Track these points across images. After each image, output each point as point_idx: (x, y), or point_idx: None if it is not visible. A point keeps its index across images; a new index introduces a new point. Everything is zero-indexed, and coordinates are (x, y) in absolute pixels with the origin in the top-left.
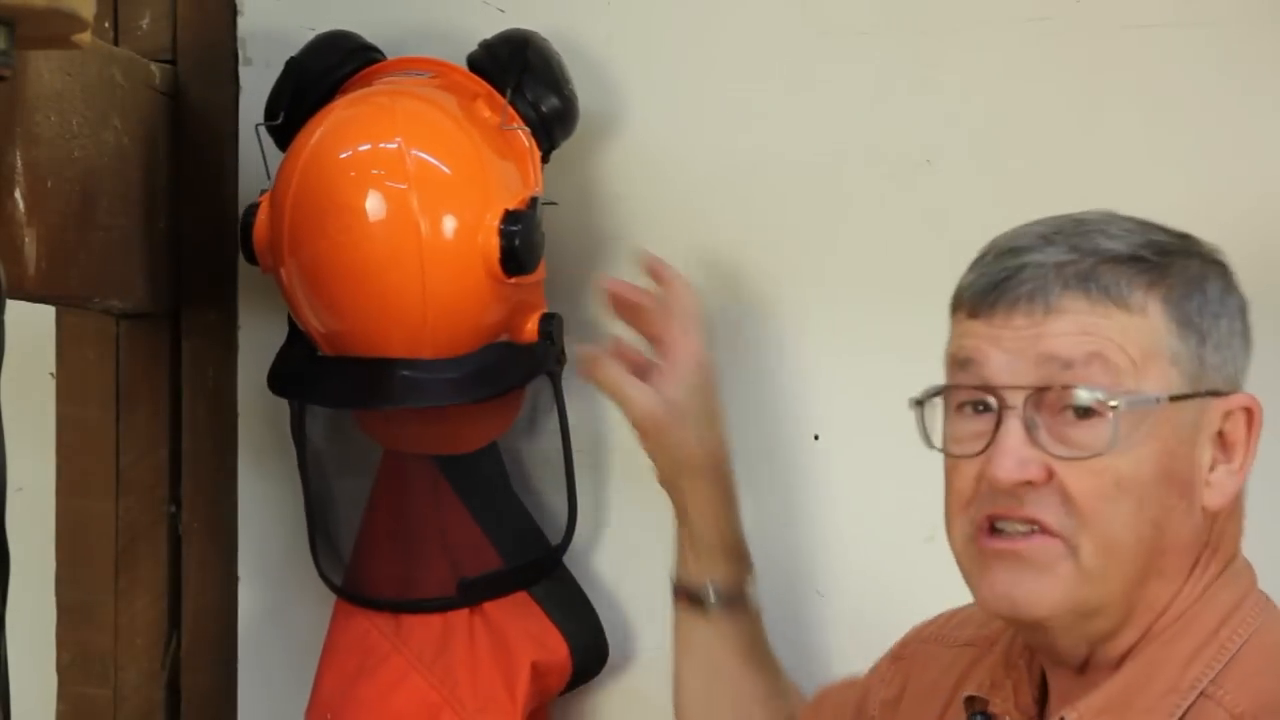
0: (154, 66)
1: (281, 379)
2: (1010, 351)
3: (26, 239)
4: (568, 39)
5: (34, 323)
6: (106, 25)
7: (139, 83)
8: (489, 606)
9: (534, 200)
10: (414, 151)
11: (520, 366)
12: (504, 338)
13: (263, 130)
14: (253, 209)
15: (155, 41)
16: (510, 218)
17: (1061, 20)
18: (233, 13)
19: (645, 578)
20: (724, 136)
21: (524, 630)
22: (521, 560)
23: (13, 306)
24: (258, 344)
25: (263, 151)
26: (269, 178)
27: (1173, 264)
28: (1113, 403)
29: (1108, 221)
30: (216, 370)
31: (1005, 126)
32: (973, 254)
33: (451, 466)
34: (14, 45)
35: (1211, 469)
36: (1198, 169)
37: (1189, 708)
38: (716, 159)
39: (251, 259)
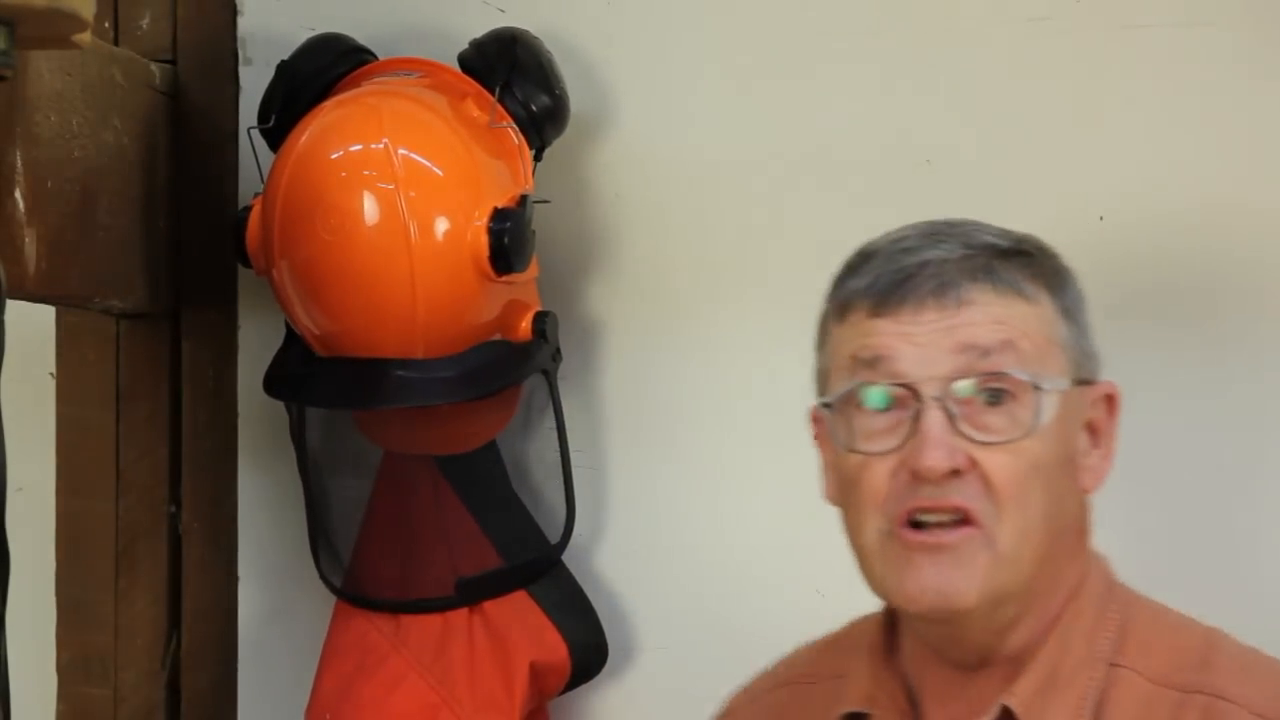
0: (154, 66)
1: (276, 382)
2: (922, 345)
3: (26, 239)
4: (567, 39)
5: (34, 323)
6: (106, 25)
7: (139, 83)
8: (488, 606)
9: (524, 198)
10: (401, 151)
11: (514, 365)
12: (497, 336)
13: (256, 133)
14: (245, 211)
15: (155, 41)
16: (499, 215)
17: (1061, 20)
18: (233, 13)
19: (645, 576)
20: (724, 136)
21: (523, 630)
22: (521, 559)
23: (13, 306)
24: (258, 344)
25: (255, 155)
26: (263, 180)
27: (1044, 259)
28: (1040, 385)
29: (973, 223)
30: (216, 370)
31: (1005, 126)
32: None
33: (451, 466)
34: (14, 45)
35: (1087, 454)
36: (1197, 168)
37: (1106, 680)
38: (717, 158)
39: (244, 261)
